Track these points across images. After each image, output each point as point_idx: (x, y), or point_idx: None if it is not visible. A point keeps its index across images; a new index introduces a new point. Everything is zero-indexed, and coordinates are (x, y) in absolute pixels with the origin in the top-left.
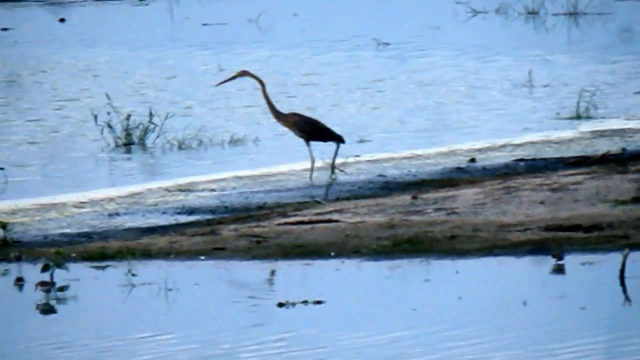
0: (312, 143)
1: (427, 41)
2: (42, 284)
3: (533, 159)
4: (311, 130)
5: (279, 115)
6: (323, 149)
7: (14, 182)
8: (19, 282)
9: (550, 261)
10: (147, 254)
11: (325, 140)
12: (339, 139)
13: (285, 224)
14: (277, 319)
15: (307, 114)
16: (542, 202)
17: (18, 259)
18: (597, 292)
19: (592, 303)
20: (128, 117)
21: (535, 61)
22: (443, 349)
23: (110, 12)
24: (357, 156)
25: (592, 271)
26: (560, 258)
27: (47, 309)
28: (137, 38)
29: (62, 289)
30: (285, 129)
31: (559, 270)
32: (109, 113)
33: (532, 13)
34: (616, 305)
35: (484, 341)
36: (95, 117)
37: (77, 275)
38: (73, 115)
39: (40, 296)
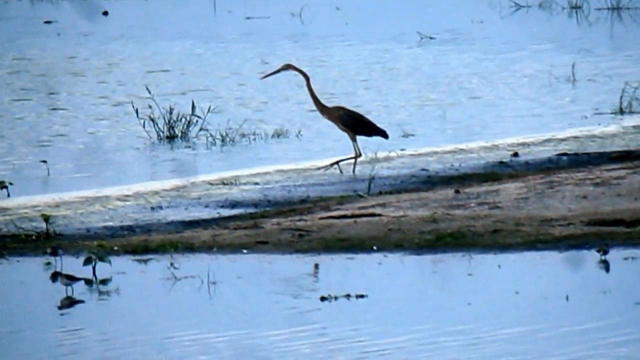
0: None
1: (471, 35)
2: (66, 277)
3: (576, 154)
4: (355, 124)
5: (323, 109)
6: (365, 143)
7: (56, 175)
8: (56, 276)
9: (593, 256)
10: (190, 248)
11: (369, 134)
12: (383, 134)
13: (328, 217)
14: (319, 313)
15: (351, 107)
16: (584, 197)
17: (54, 254)
18: None
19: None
20: (170, 110)
21: (579, 56)
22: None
23: (153, 5)
24: (403, 150)
25: (635, 265)
26: (605, 252)
27: (68, 303)
28: (180, 31)
29: (104, 281)
30: (330, 123)
31: (604, 264)
32: (150, 106)
33: (576, 7)
34: None
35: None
36: (137, 110)
37: (120, 269)
38: (115, 108)
39: (77, 289)
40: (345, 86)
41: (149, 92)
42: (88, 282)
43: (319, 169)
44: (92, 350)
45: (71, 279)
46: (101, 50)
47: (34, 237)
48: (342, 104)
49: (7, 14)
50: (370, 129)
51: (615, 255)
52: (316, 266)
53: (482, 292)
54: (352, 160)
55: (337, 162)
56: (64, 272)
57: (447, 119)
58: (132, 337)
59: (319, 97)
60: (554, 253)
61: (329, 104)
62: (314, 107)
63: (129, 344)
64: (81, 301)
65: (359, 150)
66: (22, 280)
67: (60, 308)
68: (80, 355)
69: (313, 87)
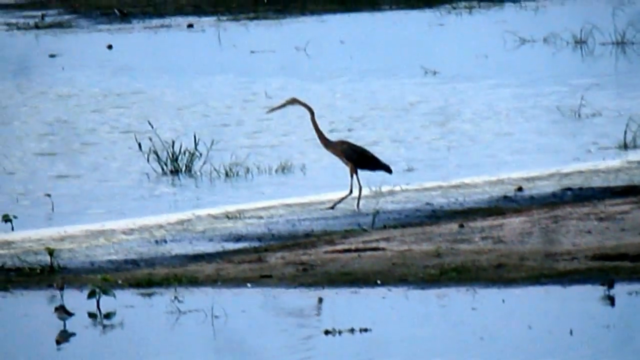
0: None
1: (475, 69)
2: (60, 310)
3: (580, 188)
4: (359, 158)
5: (327, 143)
6: (370, 178)
7: (61, 209)
8: (59, 311)
9: (598, 290)
10: (194, 281)
11: (372, 169)
12: (386, 169)
13: (332, 251)
14: (323, 347)
15: (355, 142)
16: (589, 232)
17: (61, 288)
18: None
19: None
20: (172, 144)
21: (583, 90)
22: None
23: (158, 38)
24: (407, 184)
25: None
26: (610, 287)
27: (68, 337)
28: (185, 65)
29: (108, 315)
30: (334, 157)
31: (609, 299)
32: (150, 139)
33: (580, 42)
34: None
35: None
36: (140, 144)
37: (124, 302)
38: (119, 142)
39: (81, 323)
40: (348, 120)
41: (151, 127)
42: (92, 315)
43: (330, 208)
44: None
45: (67, 313)
46: (105, 84)
47: (38, 271)
48: (346, 138)
49: (11, 47)
50: (374, 163)
51: (620, 289)
52: (320, 300)
53: (485, 327)
54: (356, 195)
55: (339, 202)
56: (68, 305)
57: (451, 153)
58: None
59: (323, 131)
60: (558, 288)
61: (333, 138)
62: (318, 141)
63: None
64: (84, 335)
65: (356, 186)
66: (26, 313)
67: (59, 342)
68: None
69: (317, 121)
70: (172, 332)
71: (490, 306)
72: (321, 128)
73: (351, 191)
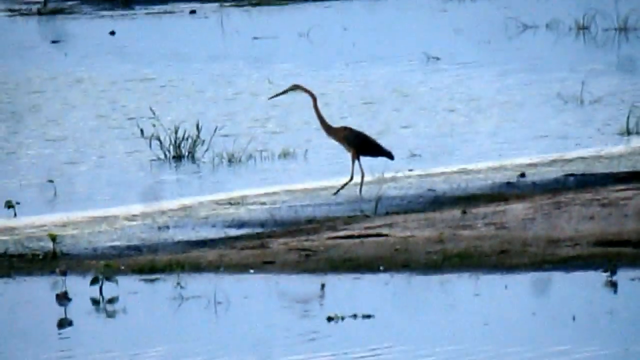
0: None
1: (477, 56)
2: (61, 296)
3: (583, 174)
4: (361, 144)
5: (329, 129)
6: (372, 164)
7: (63, 195)
8: (60, 297)
9: (600, 276)
10: (197, 267)
11: (374, 155)
12: (388, 155)
13: (335, 237)
14: (326, 333)
15: (358, 128)
16: (591, 218)
17: (63, 274)
18: None
19: None
20: (175, 130)
21: (586, 76)
22: None
23: (161, 24)
24: (410, 170)
25: None
26: (613, 273)
27: (62, 323)
28: (187, 51)
29: (111, 301)
30: (336, 143)
31: (611, 285)
32: (154, 125)
33: (583, 28)
34: None
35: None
36: (142, 130)
37: (127, 288)
38: (122, 128)
39: (83, 309)
40: (351, 106)
41: (153, 113)
42: (95, 301)
43: (333, 194)
44: None
45: (67, 299)
46: (107, 70)
47: (40, 257)
48: (348, 125)
49: (13, 33)
50: (376, 149)
51: (622, 275)
52: (323, 286)
53: (488, 313)
54: (358, 181)
55: (341, 188)
56: (71, 291)
57: (453, 139)
58: (138, 356)
59: (325, 117)
60: (561, 273)
61: (335, 125)
62: (320, 128)
63: None
64: (86, 321)
65: (358, 173)
66: (28, 299)
67: (61, 328)
68: None
69: (319, 107)
70: (174, 318)
71: (493, 292)
72: (323, 114)
73: (352, 177)
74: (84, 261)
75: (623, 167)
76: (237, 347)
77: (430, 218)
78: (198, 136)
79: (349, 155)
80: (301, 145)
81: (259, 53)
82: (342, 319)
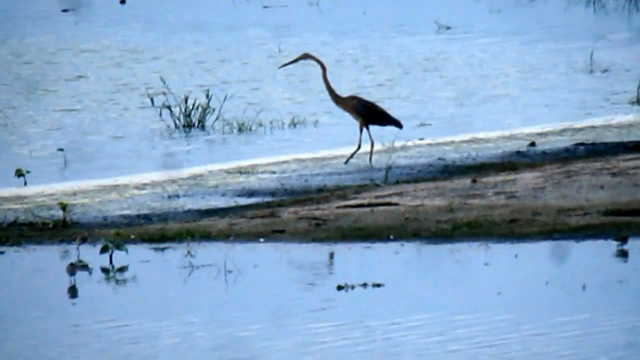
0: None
1: (488, 24)
2: (70, 266)
3: (593, 144)
4: (369, 113)
5: (337, 99)
6: (383, 133)
7: (73, 164)
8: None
9: (611, 245)
10: (207, 236)
11: (383, 124)
12: (397, 124)
13: (345, 206)
14: (336, 302)
15: (366, 97)
16: (601, 187)
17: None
18: None
19: None
20: (186, 99)
21: (596, 45)
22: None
23: None
24: (420, 139)
25: None
26: (624, 241)
27: (72, 293)
28: (197, 20)
29: (121, 270)
30: (345, 113)
31: (622, 253)
32: (164, 93)
33: None
34: None
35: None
36: (152, 99)
37: (137, 257)
38: (132, 98)
39: (94, 277)
40: (361, 76)
41: (163, 82)
42: (105, 270)
43: (344, 163)
44: (104, 338)
45: (78, 267)
46: (118, 39)
47: (50, 226)
48: (358, 94)
49: (24, 2)
50: (384, 118)
51: (633, 244)
52: (333, 255)
53: (498, 282)
54: (367, 150)
55: (350, 157)
56: (81, 260)
57: (464, 108)
58: (147, 325)
59: (333, 86)
60: (571, 243)
61: (344, 94)
62: (329, 97)
63: (142, 332)
64: (97, 289)
65: (367, 141)
66: (39, 267)
67: (72, 296)
68: (93, 344)
69: (329, 77)
70: (185, 287)
71: (503, 261)
72: (332, 84)
73: (359, 145)
74: (94, 230)
75: (633, 137)
76: (247, 316)
77: (440, 187)
78: (208, 105)
79: (357, 124)
80: (311, 114)
81: (269, 22)
82: (353, 288)
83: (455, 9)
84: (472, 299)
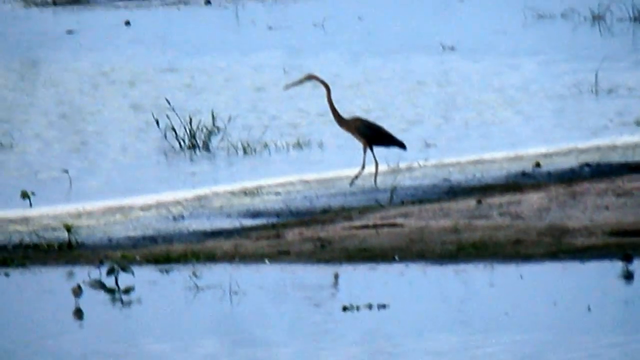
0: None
1: (493, 45)
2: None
3: (598, 164)
4: (373, 135)
5: (341, 120)
6: (388, 154)
7: (78, 185)
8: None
9: (615, 266)
10: (212, 257)
11: (386, 145)
12: (400, 145)
13: (350, 228)
14: (341, 323)
15: (370, 118)
16: (607, 207)
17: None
18: None
19: None
20: (190, 120)
21: (601, 66)
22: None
23: (176, 15)
24: (425, 160)
25: None
26: (629, 262)
27: (78, 315)
28: (202, 41)
29: (127, 291)
30: (348, 134)
31: (627, 275)
32: (168, 116)
33: (598, 17)
34: None
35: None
36: (157, 121)
37: (142, 278)
38: (137, 119)
39: (100, 299)
40: (365, 97)
41: (168, 103)
42: (110, 291)
43: (349, 184)
44: (110, 359)
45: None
46: (122, 60)
47: (56, 247)
48: (362, 115)
49: (29, 23)
50: (387, 139)
51: (638, 265)
52: (338, 276)
53: (502, 303)
54: (371, 171)
55: (355, 178)
56: (97, 280)
57: (469, 129)
58: (153, 346)
59: (337, 108)
60: (576, 263)
61: (348, 115)
62: (332, 118)
63: (148, 353)
64: (103, 310)
65: (371, 163)
66: (44, 289)
67: (78, 318)
68: None
69: (333, 98)
70: (190, 308)
71: (508, 282)
72: (336, 105)
73: (363, 167)
74: (99, 251)
75: (638, 157)
76: (252, 337)
77: (445, 208)
78: (213, 126)
79: (361, 146)
80: (316, 136)
81: (274, 42)
82: (358, 308)
83: (460, 30)
84: (480, 320)
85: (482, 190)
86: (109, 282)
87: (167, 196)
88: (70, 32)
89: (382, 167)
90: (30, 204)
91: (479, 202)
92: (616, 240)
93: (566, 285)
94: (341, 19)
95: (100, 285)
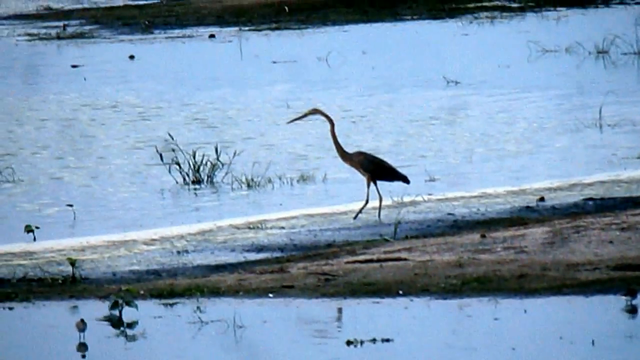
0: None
1: (497, 80)
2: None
3: (602, 199)
4: (376, 169)
5: (344, 155)
6: (392, 188)
7: (83, 219)
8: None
9: (620, 300)
10: (216, 292)
11: (390, 180)
12: (404, 179)
13: (354, 262)
14: (345, 357)
15: (374, 152)
16: (611, 242)
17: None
18: None
19: None
20: (194, 154)
21: (605, 100)
22: None
23: (180, 49)
24: (429, 194)
25: None
26: (633, 296)
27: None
28: (207, 75)
29: (130, 325)
30: (352, 168)
31: (631, 309)
32: (173, 150)
33: (602, 52)
34: None
35: None
36: (161, 155)
37: (146, 313)
38: (141, 153)
39: (104, 333)
40: (370, 130)
41: (172, 138)
42: (115, 326)
43: (353, 218)
44: None
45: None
46: (127, 95)
47: (60, 282)
48: (367, 149)
49: (33, 57)
50: (391, 174)
51: None
52: (342, 310)
53: (507, 337)
54: (375, 205)
55: (358, 212)
56: (89, 316)
57: (473, 163)
58: None
59: (340, 142)
60: (580, 298)
61: (352, 150)
62: (336, 153)
63: None
64: (107, 345)
65: (375, 197)
66: (48, 323)
67: (82, 353)
68: None
69: (337, 132)
70: (194, 343)
71: (512, 316)
72: (339, 140)
73: (367, 201)
74: (103, 286)
75: None
76: None
77: (449, 242)
78: (217, 160)
79: (365, 180)
80: (320, 170)
81: (277, 77)
82: (362, 343)
83: (464, 64)
84: (484, 355)
85: (486, 224)
86: (113, 316)
87: (171, 230)
88: (74, 66)
89: (386, 201)
90: (35, 238)
91: (483, 236)
92: (620, 275)
93: (570, 319)
94: (345, 53)
95: (111, 320)
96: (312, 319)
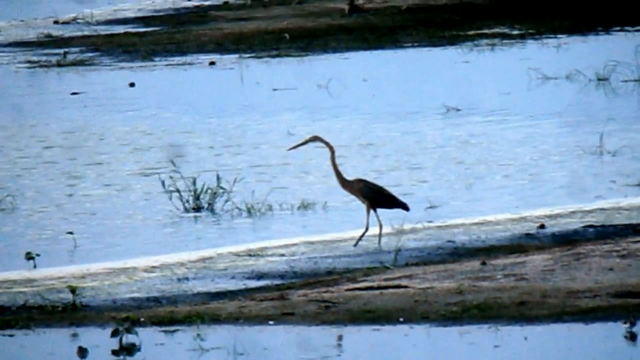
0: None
1: (497, 107)
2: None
3: (602, 226)
4: (376, 197)
5: (344, 182)
6: (392, 215)
7: (83, 247)
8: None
9: (620, 328)
10: (216, 319)
11: (389, 207)
12: (404, 207)
13: (354, 289)
14: None
15: (374, 180)
16: (611, 269)
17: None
18: None
19: None
20: (194, 181)
21: (605, 128)
22: None
23: (181, 76)
24: (429, 221)
25: None
26: (634, 324)
27: None
28: (207, 103)
29: (131, 353)
30: (352, 196)
31: (631, 337)
32: (172, 177)
33: (602, 79)
34: None
35: None
36: (163, 182)
37: (147, 340)
38: (142, 180)
39: None
40: (370, 158)
41: (174, 165)
42: (115, 353)
43: (353, 245)
44: None
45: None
46: (127, 122)
47: (60, 309)
48: (366, 177)
49: (33, 85)
50: (390, 201)
51: None
52: (342, 338)
53: None
54: (374, 233)
55: (358, 240)
56: (89, 343)
57: (473, 190)
58: None
59: (340, 170)
60: (581, 325)
61: (352, 177)
62: (336, 180)
63: None
64: None
65: (375, 224)
66: (48, 351)
67: None
68: None
69: (337, 160)
70: None
71: (512, 344)
72: (339, 167)
73: (367, 228)
74: (103, 313)
75: None
76: None
77: (449, 269)
78: (218, 187)
79: (365, 207)
80: (320, 197)
81: (278, 104)
82: None
83: (464, 91)
84: None
85: (486, 251)
86: (113, 343)
87: (172, 257)
88: (75, 93)
89: (386, 229)
90: (35, 266)
91: (484, 263)
92: (621, 302)
93: (571, 346)
94: (346, 80)
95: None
96: (313, 346)
